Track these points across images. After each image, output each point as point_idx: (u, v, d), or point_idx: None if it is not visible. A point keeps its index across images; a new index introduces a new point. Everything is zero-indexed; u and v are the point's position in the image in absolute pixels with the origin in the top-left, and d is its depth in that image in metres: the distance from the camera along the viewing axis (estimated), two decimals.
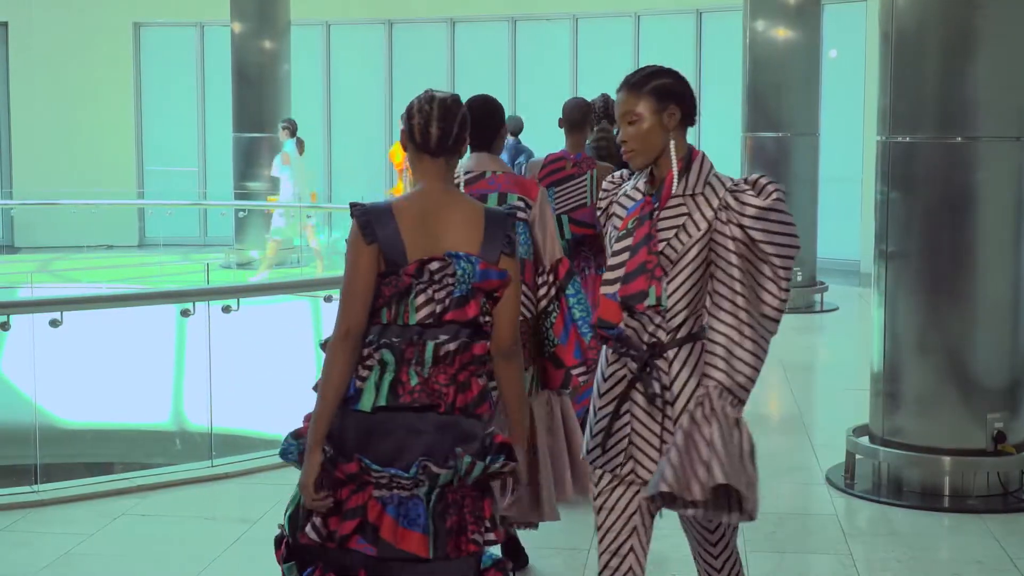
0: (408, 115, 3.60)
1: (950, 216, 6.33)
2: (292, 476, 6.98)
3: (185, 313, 7.34)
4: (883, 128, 6.55)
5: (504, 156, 13.35)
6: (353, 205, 3.41)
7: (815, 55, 13.20)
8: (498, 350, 3.49)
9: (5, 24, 19.72)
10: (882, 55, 6.56)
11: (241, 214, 16.57)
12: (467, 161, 4.97)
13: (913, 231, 6.45)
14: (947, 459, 6.40)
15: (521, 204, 4.85)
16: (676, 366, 3.47)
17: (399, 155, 14.98)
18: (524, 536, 5.54)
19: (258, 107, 16.91)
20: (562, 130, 6.07)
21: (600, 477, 3.57)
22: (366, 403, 3.39)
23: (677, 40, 17.71)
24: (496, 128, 5.03)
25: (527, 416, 4.24)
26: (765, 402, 9.15)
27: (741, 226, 3.38)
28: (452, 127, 3.55)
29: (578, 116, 6.42)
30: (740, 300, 3.40)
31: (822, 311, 12.87)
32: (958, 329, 6.40)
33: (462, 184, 4.87)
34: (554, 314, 4.81)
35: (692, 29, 17.53)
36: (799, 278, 12.89)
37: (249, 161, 17.07)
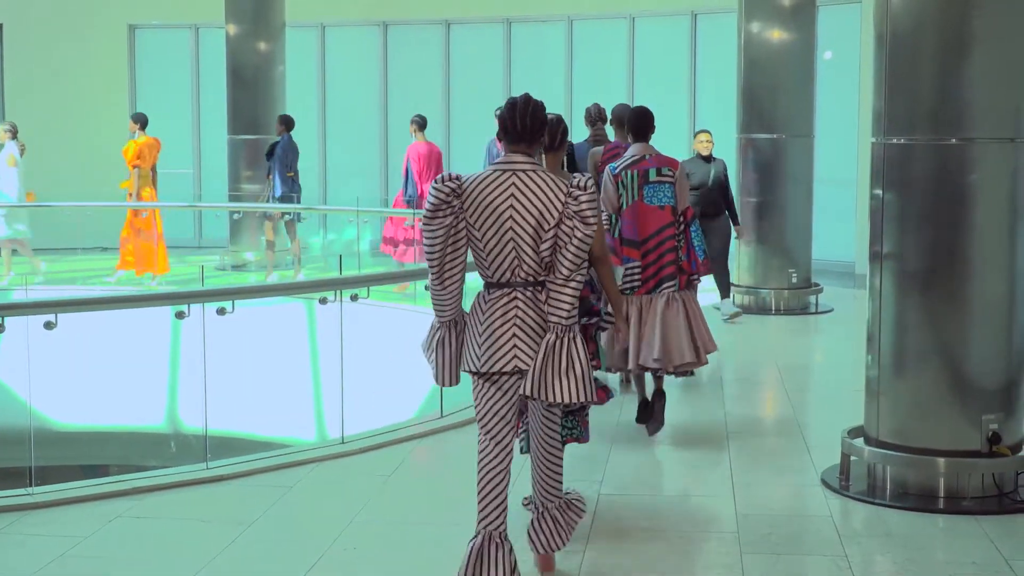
0: (549, 127, 5.57)
1: (945, 218, 6.33)
2: (287, 478, 7.00)
3: (180, 315, 7.34)
4: (878, 130, 6.55)
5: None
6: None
7: (810, 57, 13.20)
8: (593, 257, 5.59)
9: (0, 26, 19.70)
10: (877, 57, 6.57)
11: (236, 216, 16.56)
12: (634, 148, 7.80)
13: (908, 233, 6.45)
14: (942, 460, 6.40)
15: (669, 173, 7.73)
16: None
17: (131, 151, 15.03)
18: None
19: (253, 109, 16.91)
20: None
21: None
22: None
23: (672, 42, 17.71)
24: (651, 128, 7.85)
25: (620, 298, 5.81)
26: (760, 404, 9.15)
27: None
28: (556, 134, 5.87)
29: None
30: None
31: (817, 312, 12.87)
32: (953, 331, 6.40)
33: (625, 164, 7.75)
34: (682, 241, 7.75)
35: (687, 31, 17.53)
36: (794, 280, 12.89)
37: (244, 163, 17.06)
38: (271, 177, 15.13)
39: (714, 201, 11.72)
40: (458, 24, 19.05)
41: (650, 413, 7.93)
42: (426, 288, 5.39)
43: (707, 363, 8.04)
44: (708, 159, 11.81)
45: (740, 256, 13.03)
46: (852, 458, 6.77)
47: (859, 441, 6.77)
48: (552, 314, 4.96)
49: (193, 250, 16.35)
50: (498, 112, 5.24)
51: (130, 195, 15.11)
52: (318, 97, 19.67)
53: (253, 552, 5.89)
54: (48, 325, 6.74)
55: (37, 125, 18.00)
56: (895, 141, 6.45)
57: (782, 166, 12.79)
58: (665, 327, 7.65)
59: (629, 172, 7.69)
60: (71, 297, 10.62)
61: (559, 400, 4.94)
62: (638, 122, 7.81)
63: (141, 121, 15.31)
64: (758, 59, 12.98)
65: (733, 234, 12.14)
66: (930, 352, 6.43)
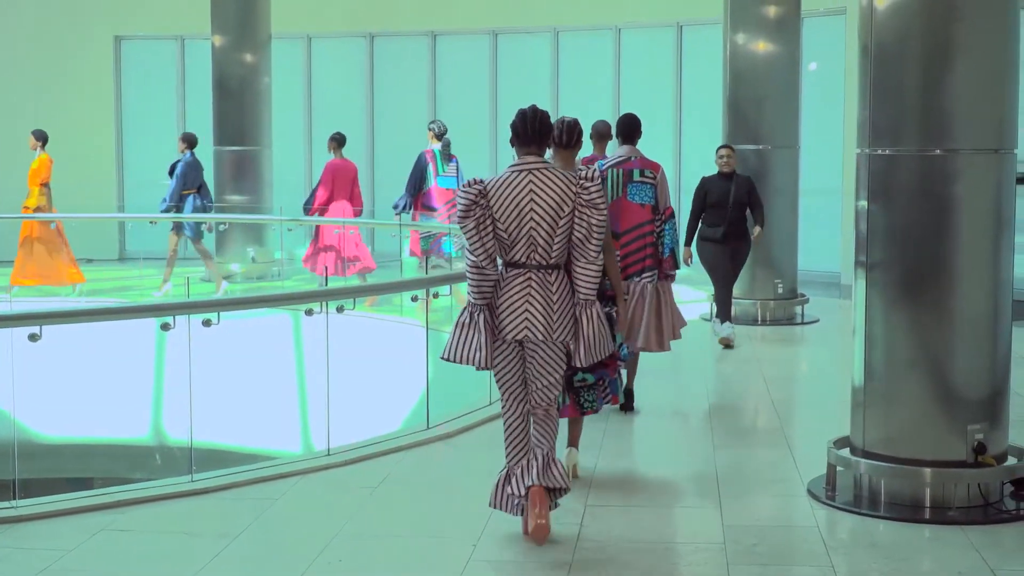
0: (567, 128, 6.65)
1: (930, 228, 6.34)
2: (272, 491, 6.98)
3: (165, 327, 7.32)
4: (863, 140, 6.56)
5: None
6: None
7: (795, 68, 13.23)
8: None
9: None
10: (862, 67, 6.58)
11: (222, 227, 16.53)
12: (621, 149, 8.57)
13: (893, 243, 6.46)
14: (928, 471, 6.41)
15: (650, 175, 8.52)
16: None
17: (42, 169, 15.06)
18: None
19: (239, 120, 16.90)
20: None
21: None
22: None
23: (658, 53, 17.75)
24: (638, 133, 8.61)
25: (620, 281, 6.94)
26: (746, 414, 9.15)
27: None
28: (573, 134, 6.66)
29: (605, 130, 8.82)
30: None
31: (803, 323, 12.89)
32: (938, 341, 6.40)
33: (611, 162, 8.53)
34: (659, 236, 8.57)
35: (672, 42, 17.57)
36: (780, 290, 12.91)
37: (230, 174, 17.04)
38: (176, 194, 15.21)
39: (736, 220, 11.36)
40: (444, 35, 19.07)
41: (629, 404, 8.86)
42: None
43: (669, 349, 8.92)
44: (729, 176, 11.43)
45: None
46: (838, 468, 6.77)
47: (845, 451, 6.77)
48: (579, 290, 5.93)
49: (179, 261, 16.27)
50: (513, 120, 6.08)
51: (32, 210, 15.14)
52: (304, 109, 19.66)
53: (238, 565, 5.87)
54: (32, 337, 6.71)
55: (23, 137, 17.95)
56: (880, 152, 6.46)
57: (768, 177, 12.81)
58: (633, 314, 8.59)
59: (615, 170, 8.51)
60: (56, 309, 10.60)
61: (597, 359, 6.01)
62: (626, 127, 8.61)
63: (43, 138, 15.32)
64: (743, 70, 13.01)
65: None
66: (915, 362, 6.43)
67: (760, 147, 12.91)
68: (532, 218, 5.85)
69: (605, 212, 5.89)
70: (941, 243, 6.34)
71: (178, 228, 15.22)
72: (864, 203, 6.56)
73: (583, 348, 5.96)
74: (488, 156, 18.27)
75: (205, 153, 17.70)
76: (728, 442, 8.18)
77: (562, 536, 6.12)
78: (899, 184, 6.42)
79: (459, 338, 5.99)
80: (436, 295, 8.98)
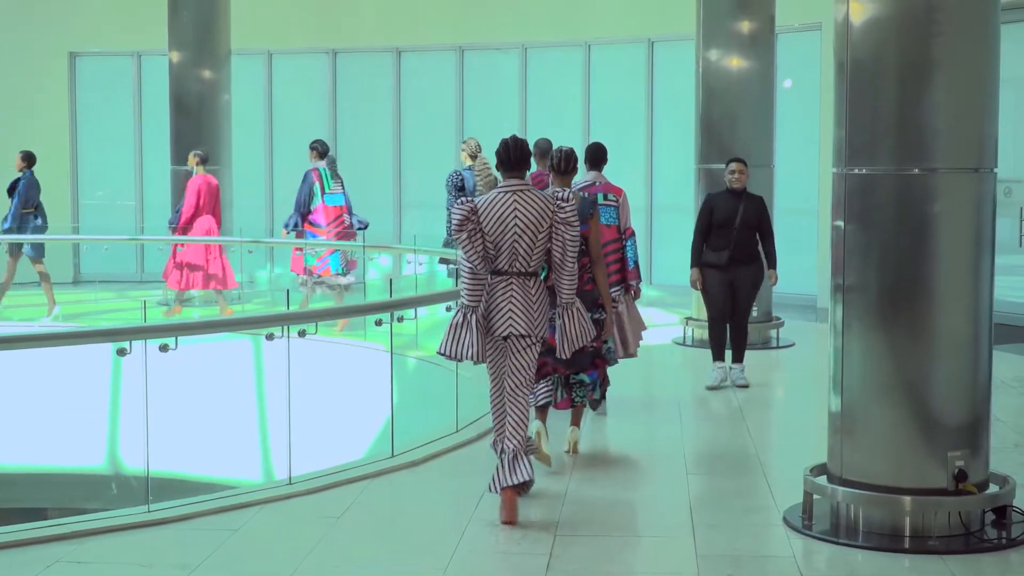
0: (563, 156, 8.12)
1: (907, 249, 6.36)
2: (232, 521, 6.93)
3: (121, 352, 7.27)
4: (839, 159, 6.59)
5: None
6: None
7: (769, 85, 13.29)
8: (592, 259, 8.17)
9: None
10: (837, 85, 6.60)
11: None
12: (589, 175, 9.51)
13: (870, 264, 6.48)
14: (907, 499, 6.41)
15: (613, 199, 9.55)
16: None
17: None
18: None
19: (197, 139, 16.81)
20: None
21: None
22: None
23: (628, 70, 17.79)
24: (604, 160, 9.46)
25: (608, 293, 8.34)
26: (720, 441, 9.15)
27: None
28: (570, 161, 8.13)
29: (546, 147, 10.10)
30: None
31: (778, 347, 12.91)
32: (917, 365, 6.42)
33: (579, 187, 9.25)
34: (624, 253, 9.62)
35: (644, 58, 17.62)
36: (755, 314, 12.93)
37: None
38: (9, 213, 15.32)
39: (744, 244, 10.54)
40: (409, 52, 19.08)
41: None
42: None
43: (636, 356, 9.86)
44: (739, 194, 10.61)
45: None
46: (815, 496, 6.77)
47: (822, 479, 6.78)
48: (561, 293, 7.12)
49: (135, 285, 16.23)
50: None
51: None
52: (265, 127, 19.63)
53: None
54: None
55: None
56: (856, 171, 6.48)
57: None
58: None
59: (582, 194, 8.93)
60: (7, 334, 10.52)
61: (579, 345, 7.25)
62: (594, 154, 9.49)
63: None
64: (716, 87, 13.05)
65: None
66: (894, 387, 6.44)
67: None
68: (515, 231, 6.96)
69: (577, 229, 7.03)
70: (919, 265, 6.36)
71: (14, 249, 15.29)
72: (840, 223, 6.58)
73: (566, 342, 7.18)
74: (454, 167, 18.21)
75: (162, 173, 17.66)
76: (701, 469, 8.18)
77: (529, 568, 6.10)
78: (876, 204, 6.44)
79: (454, 337, 7.04)
80: (401, 319, 8.96)
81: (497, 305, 7.02)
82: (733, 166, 10.75)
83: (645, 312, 8.98)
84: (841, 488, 6.60)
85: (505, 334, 7.01)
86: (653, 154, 17.44)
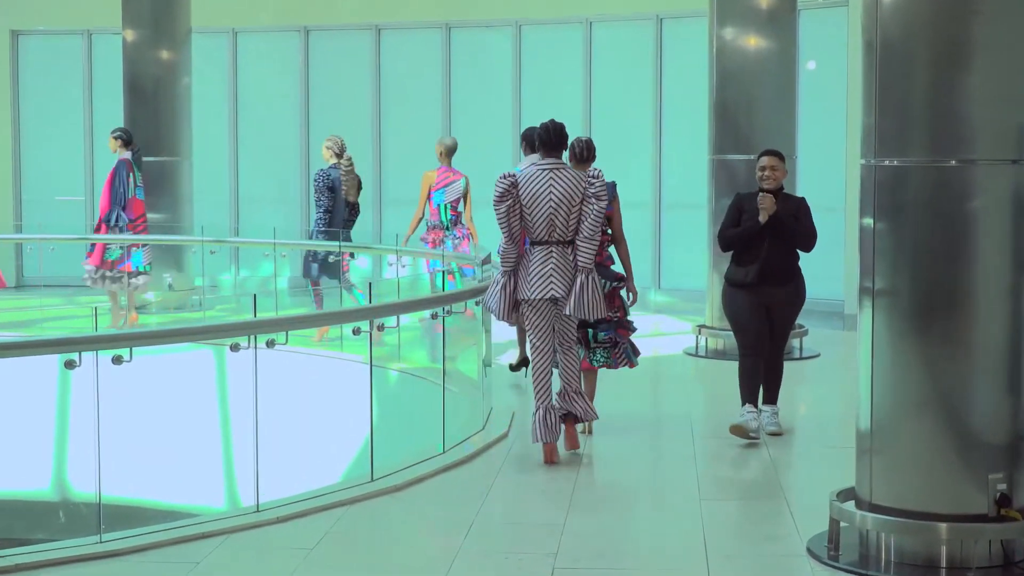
0: (586, 146, 9.49)
1: (944, 249, 6.38)
2: (193, 553, 6.95)
3: (70, 364, 7.27)
4: (868, 150, 6.60)
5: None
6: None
7: (791, 67, 13.32)
8: (615, 238, 9.67)
9: None
10: (866, 67, 6.62)
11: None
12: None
13: (903, 266, 6.50)
14: (944, 526, 6.43)
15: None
16: None
17: None
18: None
19: (154, 126, 16.83)
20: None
21: None
22: None
23: (634, 50, 17.82)
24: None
25: (631, 266, 9.76)
26: (737, 463, 9.17)
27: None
28: (590, 150, 9.48)
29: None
30: None
31: (801, 358, 12.94)
32: (954, 378, 6.44)
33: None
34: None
35: (651, 37, 17.65)
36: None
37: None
38: None
39: (778, 257, 9.44)
40: (390, 30, 19.10)
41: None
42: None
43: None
44: (774, 195, 9.50)
45: (711, 294, 13.08)
46: (842, 524, 6.79)
47: (850, 505, 6.79)
48: (580, 260, 8.72)
49: (84, 290, 16.19)
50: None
51: None
52: (229, 113, 19.64)
53: None
54: None
55: None
56: (887, 163, 6.50)
57: None
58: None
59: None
60: None
61: (590, 319, 8.95)
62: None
63: None
64: (732, 70, 13.08)
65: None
66: (928, 403, 6.46)
67: (751, 157, 12.94)
68: (551, 204, 8.67)
69: (605, 202, 8.72)
70: (957, 266, 6.38)
71: None
72: (869, 221, 6.61)
73: (573, 301, 8.71)
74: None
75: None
76: (717, 494, 8.20)
77: None
78: (908, 199, 6.46)
79: (492, 293, 8.92)
80: (382, 327, 8.98)
81: (538, 271, 8.72)
82: (764, 160, 9.57)
83: (653, 319, 9.01)
84: (870, 515, 6.62)
85: (547, 296, 8.72)
86: (662, 144, 17.48)
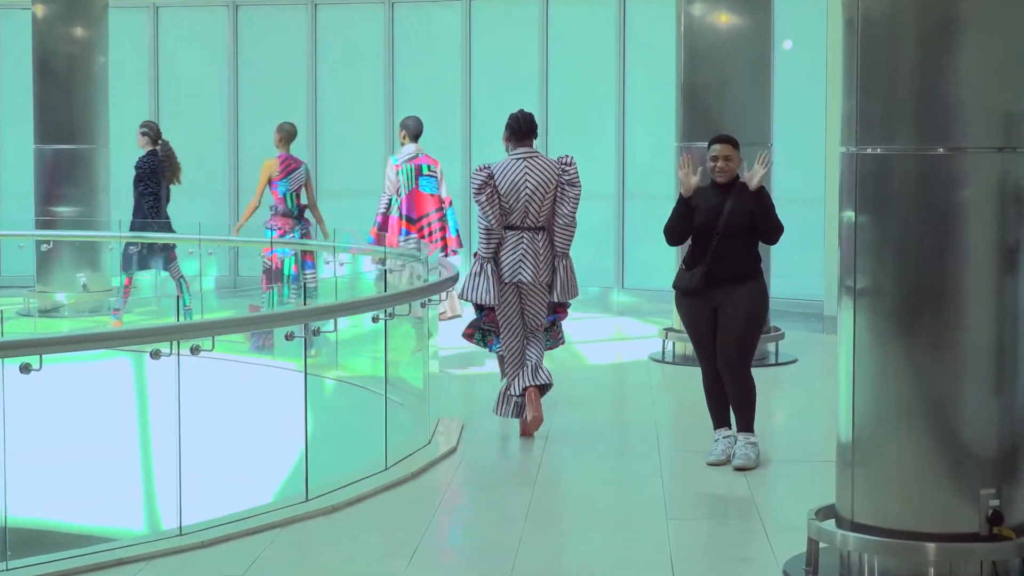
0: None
1: (931, 245, 6.40)
2: None
3: None
4: (849, 137, 6.62)
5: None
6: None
7: (765, 46, 13.35)
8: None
9: None
10: (847, 47, 6.64)
11: (45, 247, 16.37)
12: (410, 148, 13.86)
13: (887, 263, 6.52)
14: (931, 546, 6.45)
15: (433, 169, 14.30)
16: None
17: None
18: None
19: (67, 110, 16.73)
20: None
21: None
22: None
23: (595, 27, 17.83)
24: (421, 132, 13.16)
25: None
26: (707, 479, 9.18)
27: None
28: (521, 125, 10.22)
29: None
30: None
31: (777, 364, 12.98)
32: (943, 384, 6.45)
33: (404, 159, 14.26)
34: (445, 221, 14.42)
35: (614, 13, 17.66)
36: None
37: (56, 180, 16.87)
38: None
39: (729, 256, 9.05)
40: (327, 5, 19.07)
41: None
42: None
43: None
44: (727, 188, 9.18)
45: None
46: (821, 544, 6.81)
47: (829, 523, 6.81)
48: (557, 244, 9.88)
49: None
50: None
51: None
52: (150, 96, 19.57)
53: None
54: None
55: None
56: (870, 151, 6.52)
57: None
58: None
59: (407, 165, 13.88)
60: None
61: (567, 300, 10.06)
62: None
63: None
64: (702, 49, 13.10)
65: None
66: (916, 411, 6.48)
67: None
68: (527, 192, 9.76)
69: (579, 189, 9.85)
70: (945, 263, 6.40)
71: None
72: (851, 214, 6.62)
73: (559, 286, 9.90)
74: (383, 145, 18.23)
75: (24, 152, 17.56)
76: (685, 513, 8.21)
77: None
78: (893, 190, 6.48)
79: (472, 284, 9.84)
80: (318, 331, 8.95)
81: (510, 256, 9.80)
82: (717, 149, 9.23)
83: (615, 322, 9.04)
84: (852, 534, 6.64)
85: (515, 280, 9.80)
86: (625, 130, 17.50)
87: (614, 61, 17.65)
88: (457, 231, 14.39)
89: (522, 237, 9.81)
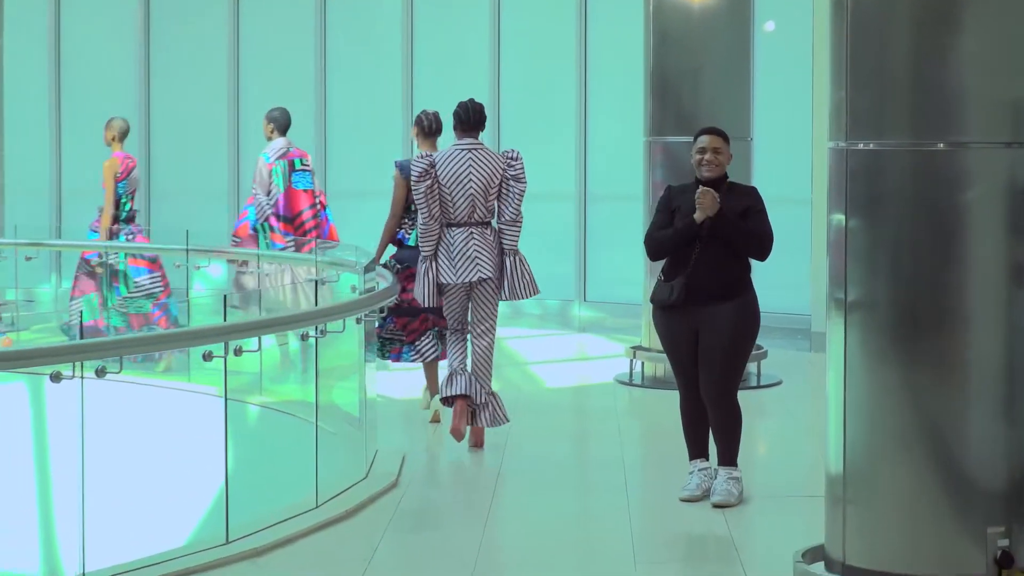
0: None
1: (930, 251, 6.42)
2: None
3: None
4: (838, 130, 6.64)
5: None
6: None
7: (744, 29, 13.39)
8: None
9: None
10: (835, 30, 6.66)
11: None
12: (280, 142, 14.21)
13: (881, 272, 6.53)
14: None
15: (307, 163, 14.44)
16: None
17: None
18: None
19: None
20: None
21: None
22: None
23: (553, 8, 17.84)
24: (289, 124, 13.39)
25: None
26: (680, 517, 9.18)
27: None
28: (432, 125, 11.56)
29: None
30: None
31: (759, 386, 12.99)
32: (945, 408, 6.47)
33: (276, 153, 14.27)
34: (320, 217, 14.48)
35: None
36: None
37: None
38: None
39: (712, 267, 8.92)
40: None
41: None
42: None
43: None
44: (714, 186, 8.97)
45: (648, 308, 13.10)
46: None
47: (818, 567, 6.83)
48: (506, 242, 10.32)
49: None
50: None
51: None
52: (51, 83, 19.54)
53: None
54: None
55: None
56: (861, 146, 6.54)
57: None
58: None
59: (280, 162, 14.01)
60: None
61: (523, 298, 10.52)
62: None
63: None
64: (673, 32, 13.13)
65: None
66: (914, 440, 6.50)
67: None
68: (472, 185, 10.20)
69: (525, 184, 10.33)
70: (947, 271, 6.42)
71: None
72: (840, 217, 6.64)
73: (507, 285, 10.33)
74: (314, 137, 18.20)
75: None
76: (656, 556, 8.22)
77: None
78: (888, 190, 6.50)
79: (422, 286, 10.28)
80: (239, 350, 8.92)
81: (461, 252, 10.20)
82: (704, 141, 9.11)
83: (577, 339, 9.03)
84: None
85: (475, 278, 10.22)
86: (587, 123, 17.49)
87: (574, 45, 17.63)
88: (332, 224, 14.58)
89: (471, 233, 10.23)
